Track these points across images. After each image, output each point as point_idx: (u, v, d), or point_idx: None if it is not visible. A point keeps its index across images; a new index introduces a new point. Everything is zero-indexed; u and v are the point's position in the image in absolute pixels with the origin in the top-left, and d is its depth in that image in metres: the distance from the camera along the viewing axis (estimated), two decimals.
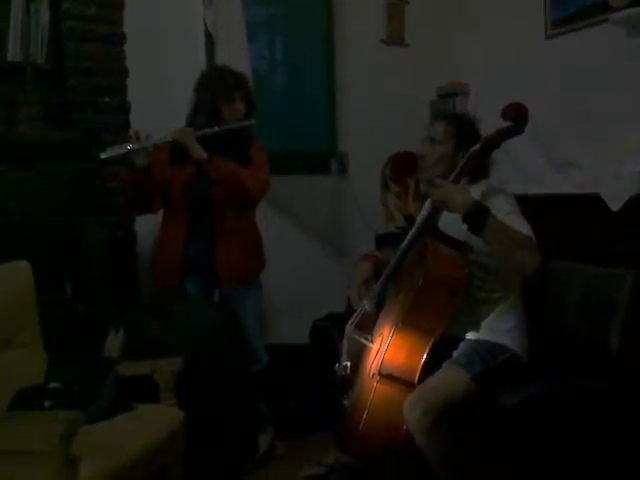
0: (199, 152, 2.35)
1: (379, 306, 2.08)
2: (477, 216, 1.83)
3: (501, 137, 1.94)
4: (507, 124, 1.93)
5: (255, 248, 2.63)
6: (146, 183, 2.37)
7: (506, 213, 1.91)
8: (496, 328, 2.04)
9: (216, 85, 2.47)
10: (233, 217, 2.49)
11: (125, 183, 2.42)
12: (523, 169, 3.14)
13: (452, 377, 1.92)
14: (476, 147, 1.96)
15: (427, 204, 2.15)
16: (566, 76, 3.01)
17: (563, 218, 2.85)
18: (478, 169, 2.03)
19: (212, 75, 2.56)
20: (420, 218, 2.17)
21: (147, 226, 2.85)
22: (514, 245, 1.83)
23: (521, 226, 1.89)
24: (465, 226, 1.87)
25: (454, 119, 2.20)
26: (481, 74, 3.47)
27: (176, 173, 2.48)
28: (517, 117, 1.91)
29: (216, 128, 2.40)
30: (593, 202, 2.75)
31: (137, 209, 2.56)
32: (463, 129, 2.14)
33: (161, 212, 2.59)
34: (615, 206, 2.70)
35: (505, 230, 1.84)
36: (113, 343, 2.35)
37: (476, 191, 2.02)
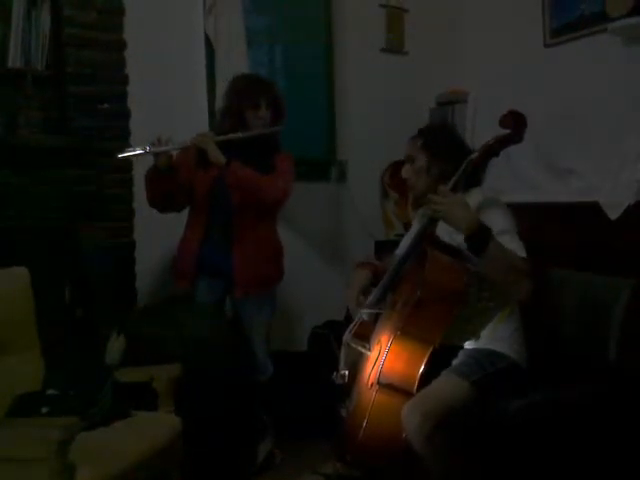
0: (218, 156, 2.38)
1: (377, 314, 2.07)
2: (480, 237, 1.83)
3: (500, 145, 1.95)
4: (505, 132, 1.94)
5: (273, 257, 2.62)
6: (167, 183, 2.42)
7: (500, 230, 1.90)
8: (495, 336, 2.04)
9: (242, 91, 2.50)
10: (252, 223, 2.50)
11: (147, 182, 2.47)
12: (522, 177, 3.15)
13: (451, 384, 1.91)
14: (474, 155, 1.96)
15: (423, 213, 2.15)
16: (565, 85, 3.02)
17: (562, 226, 2.86)
18: (472, 178, 2.03)
19: (240, 82, 2.58)
20: (418, 227, 2.17)
21: (146, 232, 2.86)
22: (510, 270, 1.84)
23: (515, 246, 1.89)
24: (465, 243, 1.87)
25: (422, 132, 2.20)
26: (480, 82, 3.48)
27: (200, 176, 2.51)
28: (515, 125, 1.92)
29: (239, 134, 2.43)
30: (592, 210, 2.75)
31: (157, 207, 2.56)
32: (432, 138, 2.14)
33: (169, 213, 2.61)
34: (614, 214, 2.70)
35: (504, 254, 1.84)
36: (114, 348, 2.35)
37: (471, 201, 2.02)
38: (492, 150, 1.95)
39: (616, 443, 2.07)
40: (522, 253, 1.89)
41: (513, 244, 1.90)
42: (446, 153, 2.06)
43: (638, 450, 2.08)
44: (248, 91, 2.50)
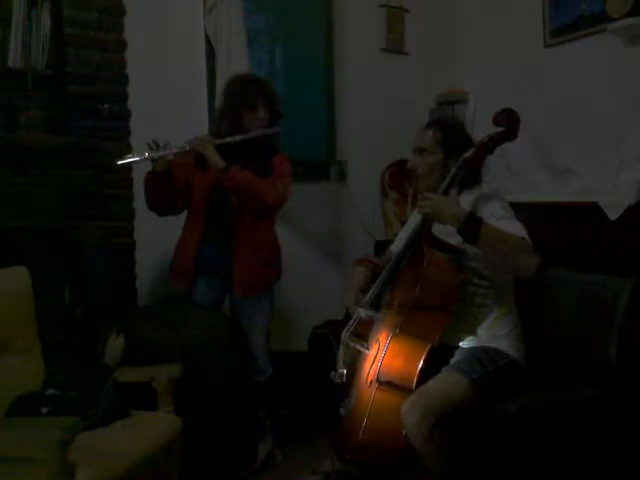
0: (217, 161, 2.36)
1: (375, 312, 2.07)
2: (470, 228, 1.83)
3: (494, 142, 1.95)
4: (499, 129, 1.94)
5: (271, 257, 2.62)
6: (165, 187, 2.42)
7: (500, 217, 1.92)
8: (493, 333, 2.04)
9: (239, 93, 2.48)
10: (251, 224, 2.50)
11: (146, 185, 2.47)
12: (522, 177, 3.16)
13: (451, 381, 1.91)
14: (469, 153, 1.96)
15: (415, 213, 2.15)
16: (565, 85, 3.02)
17: (562, 226, 2.85)
18: (470, 176, 2.03)
19: (236, 83, 2.55)
20: (412, 225, 2.17)
21: (146, 232, 2.86)
22: (511, 250, 1.85)
23: (515, 228, 1.90)
24: (459, 237, 1.88)
25: (440, 125, 2.17)
26: (480, 82, 3.49)
27: (199, 176, 2.51)
28: (508, 122, 1.93)
29: (237, 137, 2.42)
30: (591, 210, 2.76)
31: (157, 210, 2.56)
32: (451, 134, 2.13)
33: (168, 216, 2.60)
34: (613, 215, 2.70)
35: (499, 236, 1.85)
36: (114, 348, 2.35)
37: (469, 199, 2.03)
38: (486, 148, 1.96)
39: (616, 443, 2.07)
40: (523, 233, 1.89)
41: (513, 225, 1.91)
42: (461, 152, 2.03)
43: (638, 450, 2.08)
44: (244, 92, 2.48)
